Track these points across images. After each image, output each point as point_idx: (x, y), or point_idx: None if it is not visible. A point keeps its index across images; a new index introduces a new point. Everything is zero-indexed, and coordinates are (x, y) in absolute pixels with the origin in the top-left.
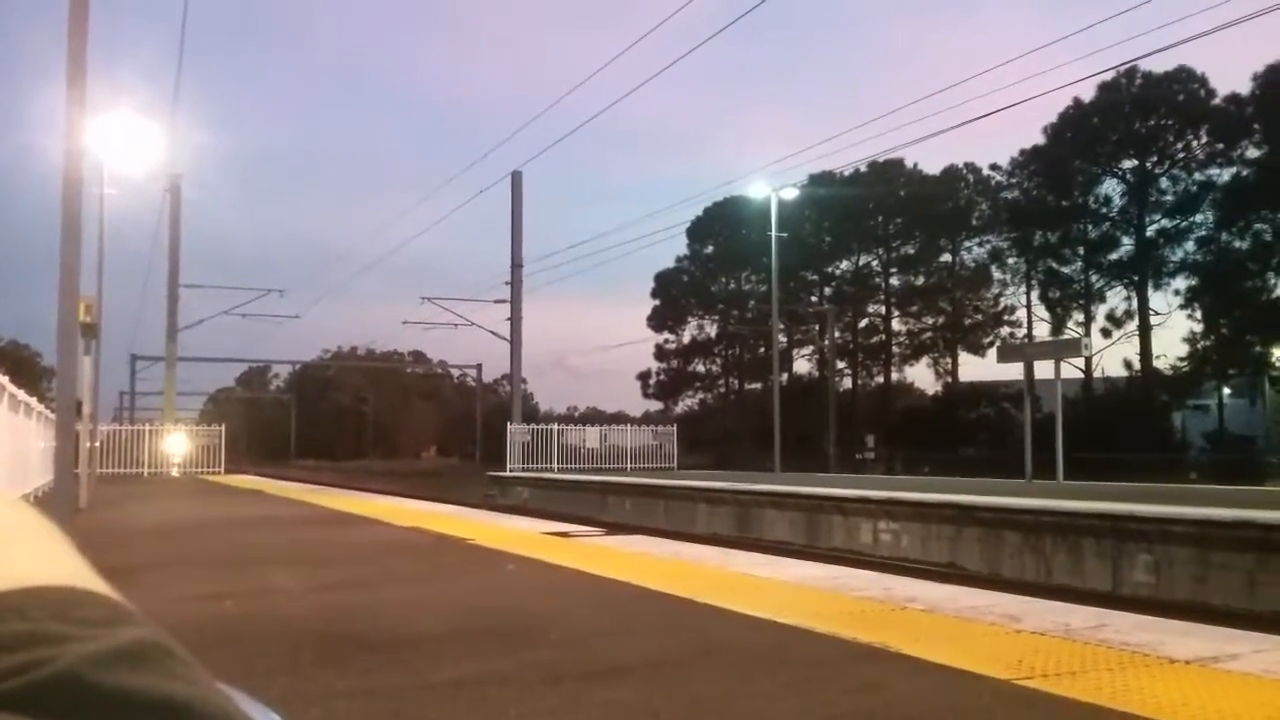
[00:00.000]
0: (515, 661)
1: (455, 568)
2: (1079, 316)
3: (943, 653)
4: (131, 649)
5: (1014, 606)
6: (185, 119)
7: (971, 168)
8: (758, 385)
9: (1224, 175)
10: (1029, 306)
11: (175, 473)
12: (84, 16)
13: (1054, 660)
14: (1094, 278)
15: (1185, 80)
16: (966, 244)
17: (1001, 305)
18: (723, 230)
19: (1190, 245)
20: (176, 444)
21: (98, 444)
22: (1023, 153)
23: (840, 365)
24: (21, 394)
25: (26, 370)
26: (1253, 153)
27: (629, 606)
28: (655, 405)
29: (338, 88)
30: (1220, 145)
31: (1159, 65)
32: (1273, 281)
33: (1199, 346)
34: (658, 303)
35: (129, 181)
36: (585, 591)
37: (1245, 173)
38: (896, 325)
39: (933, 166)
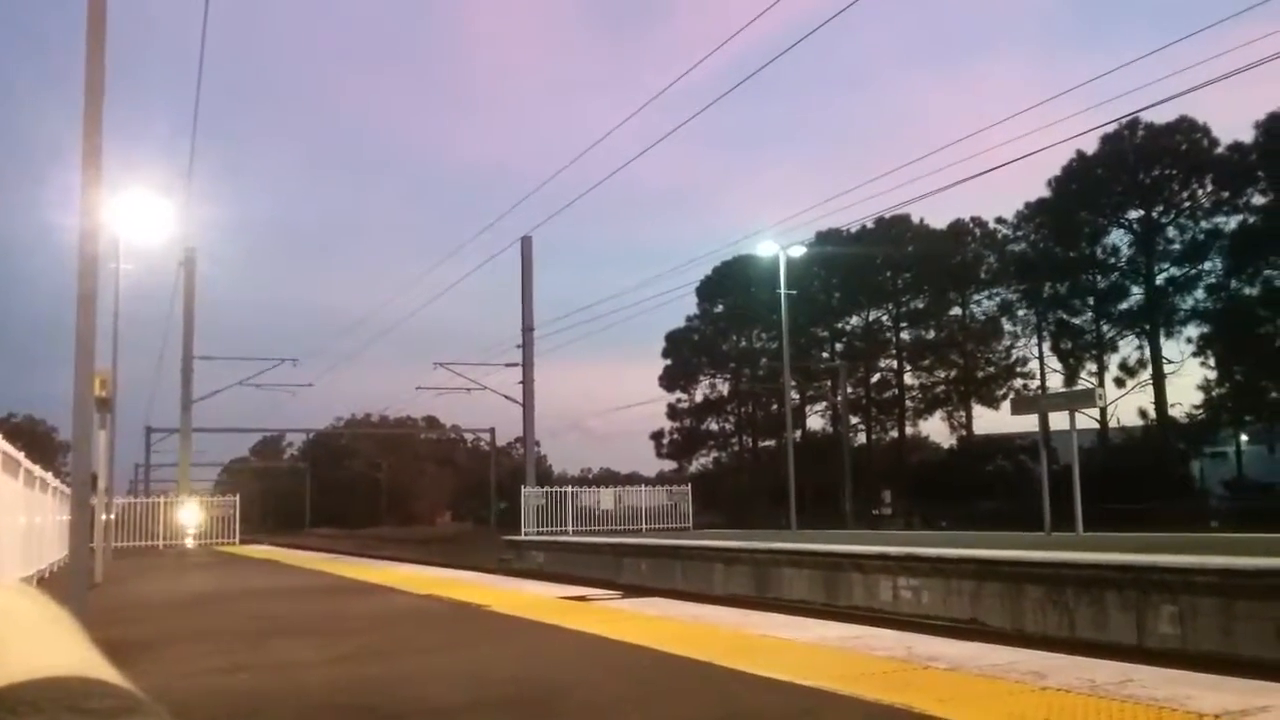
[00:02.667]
0: None
1: (472, 635)
2: (1092, 367)
3: (968, 713)
4: None
5: (1038, 663)
6: (198, 193)
7: (978, 221)
8: (771, 443)
9: (1231, 223)
10: (1041, 358)
11: (190, 544)
12: (99, 98)
13: (1080, 718)
14: (1105, 328)
15: (1187, 130)
16: (976, 297)
17: (1013, 357)
18: (732, 289)
19: (1200, 293)
20: (191, 516)
21: (113, 517)
22: (1028, 205)
23: (854, 421)
24: (37, 469)
25: (42, 445)
26: (1259, 199)
27: (649, 672)
28: (669, 465)
29: (347, 157)
30: (1226, 193)
31: (1160, 116)
32: None
33: (1214, 394)
34: (669, 362)
35: (144, 256)
36: (604, 657)
37: (1252, 220)
38: (909, 379)
39: (939, 221)
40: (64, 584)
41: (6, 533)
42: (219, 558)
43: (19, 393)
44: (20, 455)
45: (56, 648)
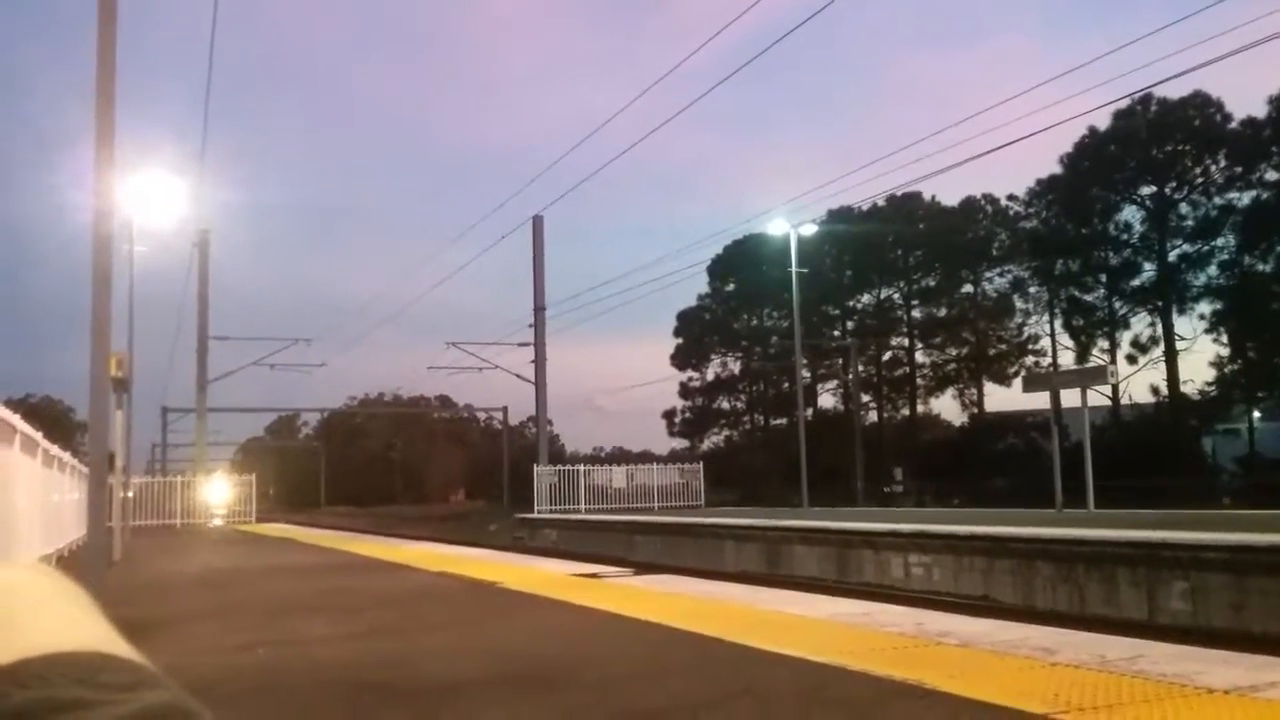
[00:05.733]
0: (549, 707)
1: (485, 612)
2: (1104, 344)
3: (978, 688)
4: (153, 713)
5: (1048, 639)
6: (212, 174)
7: (990, 199)
8: (783, 421)
9: (1244, 199)
10: (1053, 335)
11: (216, 523)
12: (111, 77)
13: (1090, 693)
14: (1117, 304)
15: (1201, 105)
16: (987, 274)
17: (1025, 334)
18: (743, 267)
19: (1213, 269)
20: (209, 494)
21: (130, 496)
22: (1040, 182)
23: (865, 399)
24: (55, 449)
25: (60, 425)
26: (1272, 175)
27: (661, 648)
28: (681, 443)
29: (359, 139)
30: (1239, 169)
31: (1174, 92)
32: None
33: (1226, 370)
34: (681, 341)
35: (158, 237)
36: (616, 634)
37: (1265, 195)
38: (920, 357)
39: (951, 198)
40: (82, 562)
41: (26, 512)
42: (235, 536)
43: (37, 373)
44: (39, 435)
45: (70, 623)
